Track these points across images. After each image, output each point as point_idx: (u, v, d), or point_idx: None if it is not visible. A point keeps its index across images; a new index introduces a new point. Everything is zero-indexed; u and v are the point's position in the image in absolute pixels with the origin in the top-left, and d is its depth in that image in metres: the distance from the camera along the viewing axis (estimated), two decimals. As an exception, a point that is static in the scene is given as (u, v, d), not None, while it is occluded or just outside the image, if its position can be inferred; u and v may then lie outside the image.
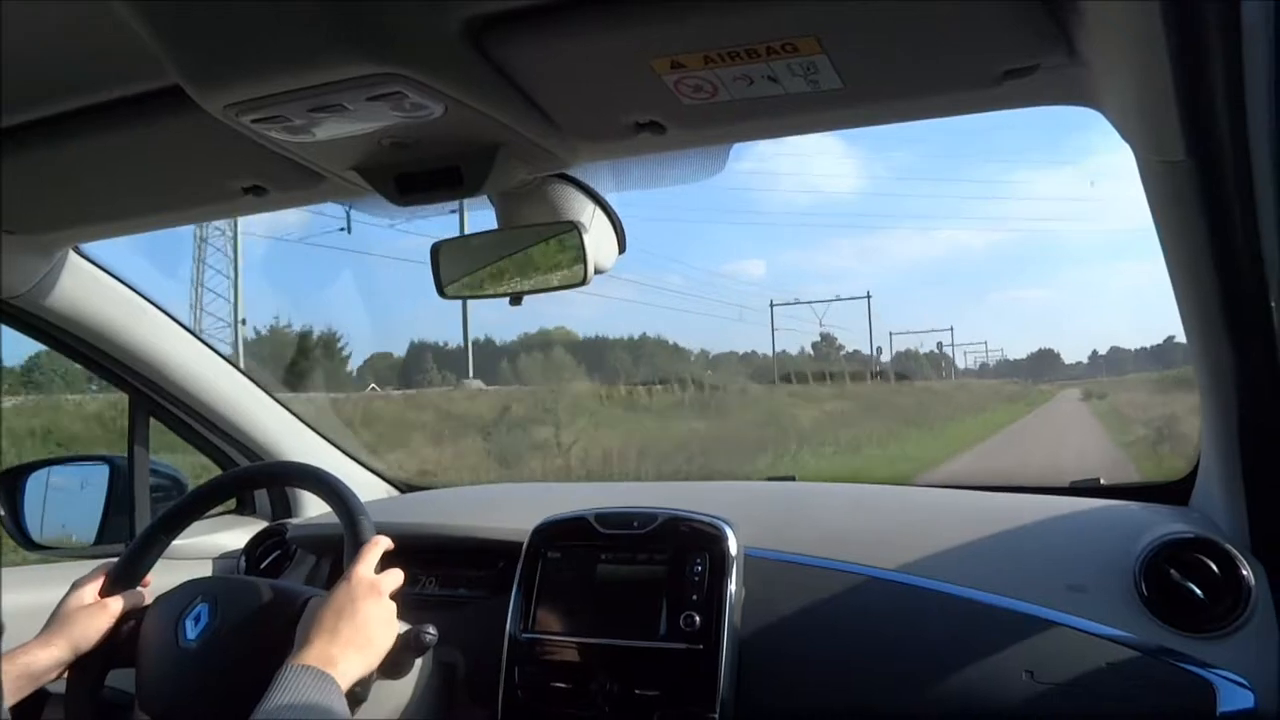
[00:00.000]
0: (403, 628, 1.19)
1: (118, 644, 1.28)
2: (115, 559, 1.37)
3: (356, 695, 1.11)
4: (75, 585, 1.30)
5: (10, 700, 1.16)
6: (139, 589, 1.34)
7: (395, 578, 1.21)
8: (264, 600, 1.24)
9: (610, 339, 35.37)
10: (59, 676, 1.24)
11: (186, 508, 1.43)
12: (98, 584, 1.31)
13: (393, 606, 1.18)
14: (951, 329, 61.62)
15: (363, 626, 1.11)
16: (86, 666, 1.26)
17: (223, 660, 1.21)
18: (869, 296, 43.86)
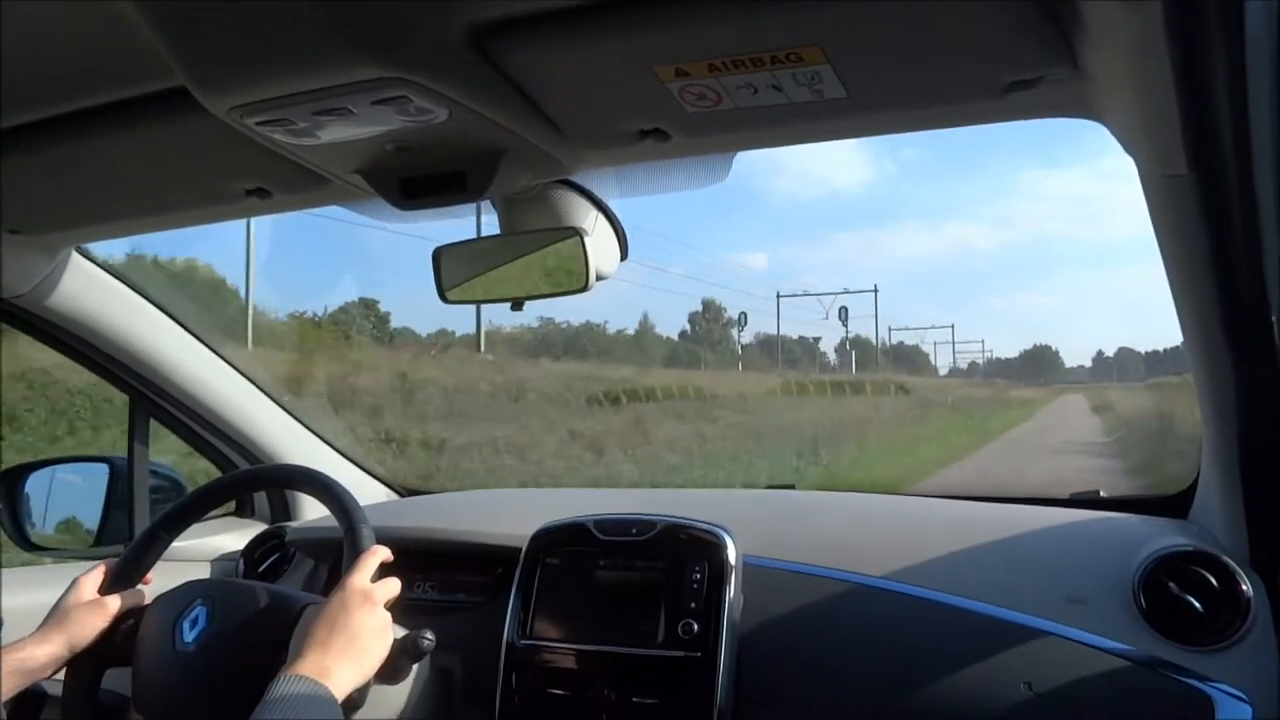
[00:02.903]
0: (400, 633, 1.19)
1: (115, 642, 1.28)
2: (116, 557, 1.37)
3: (353, 701, 1.11)
4: (76, 581, 1.31)
5: (6, 695, 1.17)
6: (139, 587, 1.34)
7: (391, 587, 1.20)
8: (261, 606, 1.24)
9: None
10: (55, 673, 1.24)
11: (189, 507, 1.43)
12: (98, 580, 1.31)
13: (387, 616, 1.17)
14: (876, 289, 44.97)
15: (356, 637, 1.11)
16: (83, 665, 1.26)
17: (218, 665, 1.21)
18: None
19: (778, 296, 43.37)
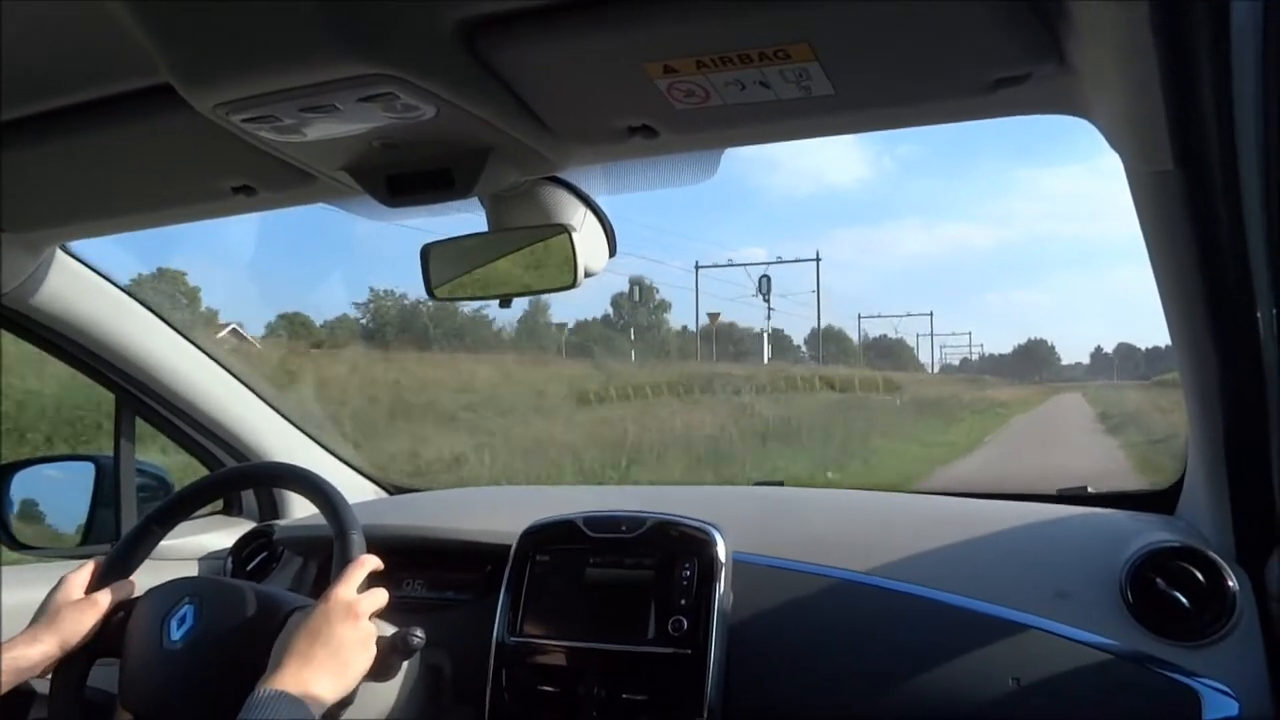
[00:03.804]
0: (390, 630, 1.19)
1: (104, 635, 1.27)
2: (104, 554, 1.36)
3: (333, 714, 1.11)
4: (64, 580, 1.30)
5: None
6: (130, 580, 1.34)
7: (377, 599, 1.19)
8: (249, 608, 1.23)
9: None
10: (45, 672, 1.23)
11: (181, 502, 1.42)
12: (86, 578, 1.30)
13: (371, 629, 1.16)
14: (818, 257, 36.49)
15: (337, 651, 1.11)
16: (72, 661, 1.25)
17: (204, 665, 1.20)
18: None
19: (696, 267, 35.92)
